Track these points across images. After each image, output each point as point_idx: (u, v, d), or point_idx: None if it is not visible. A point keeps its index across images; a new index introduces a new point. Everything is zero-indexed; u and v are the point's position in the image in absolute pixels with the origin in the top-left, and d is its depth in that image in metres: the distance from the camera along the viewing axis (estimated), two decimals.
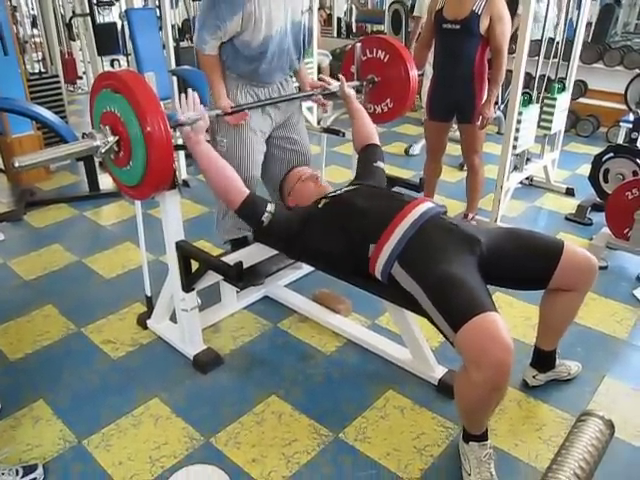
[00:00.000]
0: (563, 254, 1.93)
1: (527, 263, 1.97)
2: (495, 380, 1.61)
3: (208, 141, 2.23)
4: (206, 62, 2.45)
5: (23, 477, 1.86)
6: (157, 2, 5.39)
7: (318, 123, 4.67)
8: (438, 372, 2.30)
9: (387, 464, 1.96)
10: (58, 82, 5.48)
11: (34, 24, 8.27)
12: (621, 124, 4.39)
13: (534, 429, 2.11)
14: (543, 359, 2.27)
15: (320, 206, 2.17)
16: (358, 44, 2.88)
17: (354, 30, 8.89)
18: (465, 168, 3.77)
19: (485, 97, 3.25)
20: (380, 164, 2.45)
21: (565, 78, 4.14)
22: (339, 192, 2.23)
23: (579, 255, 1.98)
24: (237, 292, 2.79)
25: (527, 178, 4.32)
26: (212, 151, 2.13)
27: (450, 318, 1.69)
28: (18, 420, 2.15)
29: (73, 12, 7.81)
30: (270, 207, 2.09)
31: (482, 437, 1.87)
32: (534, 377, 2.28)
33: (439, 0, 3.19)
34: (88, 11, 6.27)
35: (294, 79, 2.82)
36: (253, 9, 2.26)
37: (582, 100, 5.77)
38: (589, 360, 2.43)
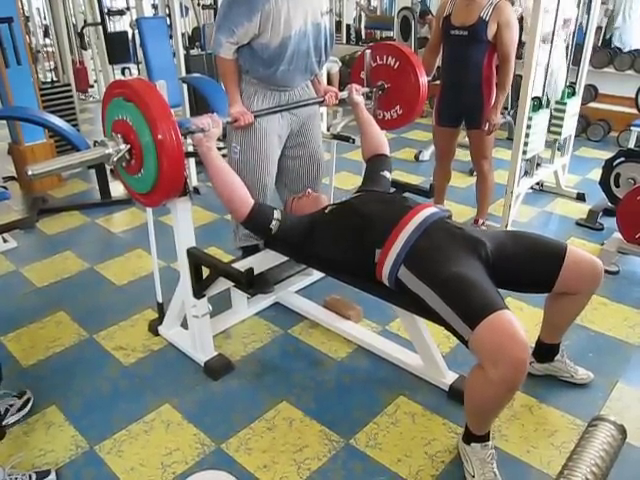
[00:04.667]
0: (566, 257, 1.93)
1: (530, 266, 1.97)
2: (512, 378, 1.62)
3: (221, 148, 2.24)
4: (221, 65, 2.47)
5: None
6: (167, 11, 5.43)
7: (328, 129, 4.68)
8: (449, 378, 2.29)
9: (398, 470, 1.95)
10: (70, 91, 5.55)
11: (46, 34, 8.38)
12: (632, 128, 4.37)
13: (546, 435, 2.09)
14: (541, 350, 2.32)
15: (326, 211, 2.19)
16: (368, 51, 2.89)
17: (363, 37, 8.90)
18: (475, 174, 3.77)
19: (492, 103, 3.25)
20: (386, 173, 2.45)
21: (575, 82, 4.13)
22: (345, 199, 2.26)
23: (583, 258, 1.99)
24: (248, 298, 2.80)
25: (537, 183, 4.30)
26: (221, 160, 2.15)
27: (466, 316, 1.69)
28: (31, 426, 2.17)
29: (85, 21, 7.89)
30: (277, 214, 2.10)
31: (484, 438, 1.87)
32: (530, 364, 2.29)
33: (447, 7, 3.20)
34: (99, 20, 6.33)
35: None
36: (271, 10, 2.27)
37: (592, 104, 5.74)
38: (601, 366, 2.42)
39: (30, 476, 1.88)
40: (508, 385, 1.64)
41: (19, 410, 2.18)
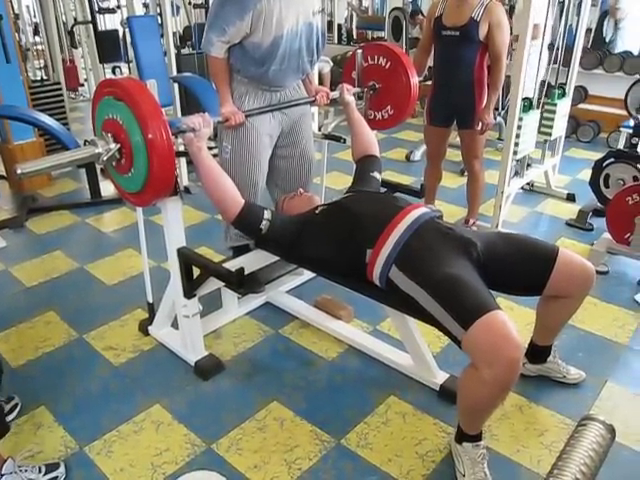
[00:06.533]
0: (557, 260, 1.93)
1: (521, 267, 1.97)
2: (506, 378, 1.63)
3: (212, 147, 2.23)
4: (212, 64, 2.46)
5: (45, 474, 1.88)
6: (158, 9, 5.41)
7: (319, 129, 4.68)
8: (440, 378, 2.30)
9: (389, 470, 1.95)
10: (60, 89, 5.52)
11: (36, 32, 8.32)
12: (621, 129, 4.39)
13: (536, 435, 2.10)
14: (534, 351, 2.32)
15: (317, 212, 2.19)
16: (359, 50, 2.89)
17: (355, 37, 8.91)
18: (466, 174, 3.78)
19: (484, 103, 3.26)
20: (376, 174, 2.45)
21: (565, 84, 4.15)
22: (335, 199, 2.25)
23: (574, 262, 1.98)
24: (238, 298, 2.79)
25: (528, 184, 4.33)
26: (211, 160, 2.14)
27: (459, 316, 1.69)
28: (20, 427, 2.15)
29: (75, 19, 7.85)
30: (267, 214, 2.10)
31: (476, 437, 1.87)
32: (523, 365, 2.30)
33: (438, 7, 3.21)
34: (90, 18, 6.30)
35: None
36: (263, 9, 2.27)
37: (582, 106, 5.78)
38: (591, 365, 2.43)
39: (40, 468, 1.88)
40: (501, 385, 1.65)
41: (6, 415, 2.15)
